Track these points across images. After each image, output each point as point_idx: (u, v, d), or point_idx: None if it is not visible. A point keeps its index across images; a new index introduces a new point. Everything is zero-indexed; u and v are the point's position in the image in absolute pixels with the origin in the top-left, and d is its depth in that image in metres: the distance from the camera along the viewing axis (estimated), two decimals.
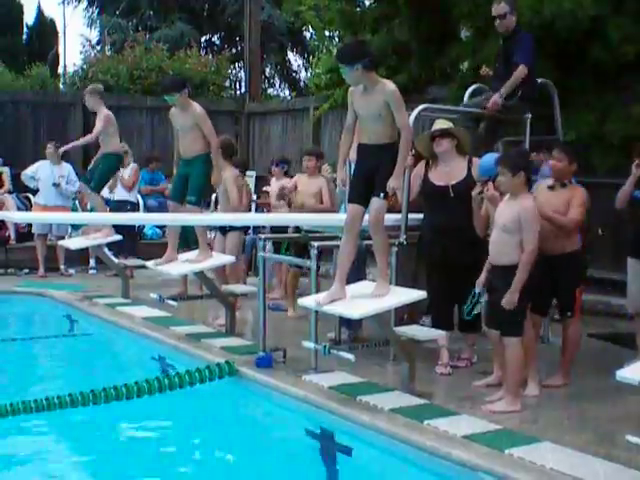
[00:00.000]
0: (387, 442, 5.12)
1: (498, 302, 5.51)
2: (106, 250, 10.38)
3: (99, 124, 9.57)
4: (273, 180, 9.73)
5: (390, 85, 5.70)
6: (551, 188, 6.14)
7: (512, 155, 5.84)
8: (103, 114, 9.60)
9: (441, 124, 6.70)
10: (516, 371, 5.57)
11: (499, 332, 5.69)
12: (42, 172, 11.99)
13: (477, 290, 5.96)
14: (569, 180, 6.17)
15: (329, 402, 5.70)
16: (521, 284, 5.45)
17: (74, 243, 10.36)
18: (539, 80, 7.82)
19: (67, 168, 12.21)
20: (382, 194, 5.69)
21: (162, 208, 11.83)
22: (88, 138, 9.87)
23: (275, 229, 9.10)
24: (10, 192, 12.82)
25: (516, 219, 5.49)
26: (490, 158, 6.22)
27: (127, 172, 12.09)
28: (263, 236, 7.08)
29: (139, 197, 12.80)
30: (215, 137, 7.97)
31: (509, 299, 5.45)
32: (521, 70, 7.33)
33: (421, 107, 7.16)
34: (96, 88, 10.06)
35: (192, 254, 8.30)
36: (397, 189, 5.82)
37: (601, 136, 8.60)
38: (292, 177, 9.37)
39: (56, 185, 11.86)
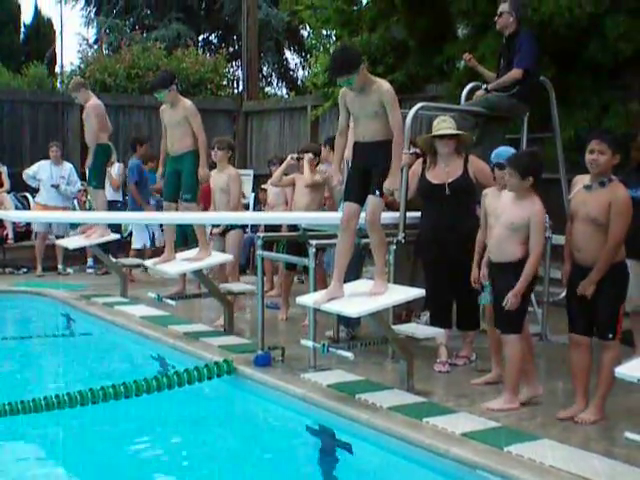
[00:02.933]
0: (386, 440, 5.12)
1: (500, 300, 5.49)
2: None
3: (93, 120, 9.58)
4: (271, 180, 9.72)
5: (385, 84, 5.71)
6: (588, 188, 5.29)
7: (523, 158, 5.66)
8: (91, 105, 9.69)
9: (445, 122, 6.66)
10: (515, 369, 5.55)
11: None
12: (42, 172, 12.00)
13: (483, 283, 5.78)
14: (609, 177, 5.24)
15: (328, 400, 5.69)
16: (525, 286, 5.40)
17: (72, 242, 10.36)
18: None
19: (68, 169, 12.22)
20: (378, 192, 5.70)
21: (159, 208, 11.84)
22: (92, 138, 9.83)
23: (269, 228, 9.12)
24: (8, 191, 12.81)
25: (526, 221, 5.41)
26: (507, 149, 6.20)
27: (114, 171, 12.07)
28: (262, 235, 7.07)
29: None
30: (203, 133, 8.00)
31: (513, 301, 5.39)
32: (514, 73, 7.44)
33: (419, 105, 7.17)
34: (77, 82, 10.12)
35: (191, 253, 8.30)
36: (394, 189, 5.82)
37: (615, 134, 8.58)
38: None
39: (55, 186, 11.86)
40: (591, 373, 5.33)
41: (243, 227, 8.69)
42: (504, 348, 5.63)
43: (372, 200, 5.74)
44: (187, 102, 8.02)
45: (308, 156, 8.48)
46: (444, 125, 6.62)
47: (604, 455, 4.61)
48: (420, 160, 6.88)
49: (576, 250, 5.31)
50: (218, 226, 8.92)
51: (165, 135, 8.21)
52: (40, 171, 12.03)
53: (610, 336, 5.21)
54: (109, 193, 11.88)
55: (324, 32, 15.81)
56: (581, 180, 5.39)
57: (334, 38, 15.13)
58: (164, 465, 5.44)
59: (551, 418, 5.27)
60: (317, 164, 8.58)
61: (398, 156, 5.72)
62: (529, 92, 7.57)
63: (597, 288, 5.17)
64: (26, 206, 12.94)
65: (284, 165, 8.88)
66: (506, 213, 5.54)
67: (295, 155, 8.78)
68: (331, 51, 13.71)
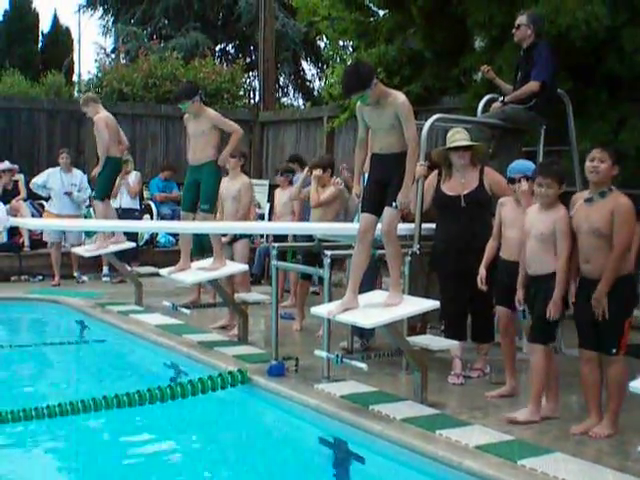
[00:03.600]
0: (399, 451, 5.11)
1: (538, 311, 5.43)
2: None
3: (103, 132, 9.66)
4: (278, 190, 9.75)
5: (400, 96, 5.72)
6: (588, 201, 5.26)
7: (556, 167, 5.63)
8: (99, 118, 9.76)
9: (459, 134, 6.66)
10: (540, 379, 5.49)
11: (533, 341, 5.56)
12: (53, 181, 12.01)
13: (520, 308, 5.74)
14: (609, 187, 5.21)
15: (341, 411, 5.69)
16: (563, 292, 5.35)
17: (87, 251, 10.39)
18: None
19: (79, 176, 12.25)
20: (394, 204, 5.71)
21: (175, 216, 11.89)
22: (103, 151, 9.87)
23: (277, 238, 9.12)
24: (25, 199, 12.88)
25: (552, 228, 5.40)
26: (524, 162, 6.21)
27: (132, 179, 12.15)
28: (276, 244, 7.08)
29: (152, 205, 12.87)
30: (238, 127, 8.09)
31: (554, 309, 5.32)
32: (531, 85, 7.42)
33: (435, 117, 7.18)
34: (86, 97, 10.26)
35: (206, 262, 8.32)
36: (407, 202, 5.82)
37: (616, 146, 8.57)
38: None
39: (68, 194, 11.90)
40: (603, 387, 5.30)
41: (250, 237, 8.68)
42: (531, 357, 5.57)
43: (388, 211, 5.75)
44: (211, 112, 8.05)
45: (316, 173, 8.45)
46: (458, 137, 6.62)
47: (617, 470, 4.59)
48: (436, 172, 6.88)
49: (584, 262, 5.25)
50: (225, 235, 8.90)
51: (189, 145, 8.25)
52: (50, 179, 12.04)
53: (613, 351, 5.13)
54: (125, 201, 11.95)
55: (341, 43, 15.85)
56: (580, 197, 5.38)
57: (351, 49, 15.17)
58: (176, 474, 5.45)
59: (565, 432, 5.25)
60: (331, 176, 8.57)
61: (411, 169, 5.72)
62: (546, 105, 7.56)
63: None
64: (42, 214, 13.00)
65: (301, 180, 8.84)
66: (535, 226, 5.52)
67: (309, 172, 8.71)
68: (347, 62, 13.74)
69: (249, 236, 8.77)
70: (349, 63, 5.86)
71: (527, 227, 5.61)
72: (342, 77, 5.96)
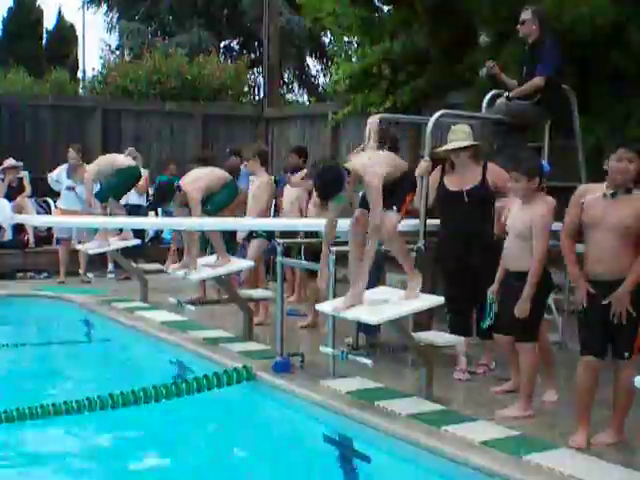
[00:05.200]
0: (404, 448, 5.10)
1: (512, 309, 5.48)
2: None
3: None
4: (287, 187, 9.72)
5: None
6: (613, 195, 4.94)
7: (526, 160, 5.72)
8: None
9: (454, 134, 6.66)
10: (530, 376, 5.55)
11: (512, 338, 5.65)
12: (62, 176, 12.04)
13: (489, 298, 5.84)
14: (635, 184, 4.96)
15: (347, 407, 5.69)
16: (531, 293, 5.40)
17: (90, 248, 10.39)
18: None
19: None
20: (395, 207, 5.77)
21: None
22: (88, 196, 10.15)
23: (285, 234, 9.08)
24: (29, 196, 12.89)
25: (529, 226, 5.45)
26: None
27: None
28: (281, 241, 7.07)
29: None
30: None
31: (521, 309, 5.42)
32: (536, 81, 7.39)
33: (439, 113, 7.17)
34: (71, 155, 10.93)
35: (211, 259, 8.32)
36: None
37: (621, 141, 8.53)
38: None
39: (71, 189, 11.88)
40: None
41: (269, 236, 8.62)
42: (519, 356, 5.62)
43: (389, 214, 5.79)
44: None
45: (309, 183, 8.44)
46: (452, 137, 6.63)
47: (624, 465, 4.58)
48: (439, 168, 6.87)
49: (596, 261, 4.93)
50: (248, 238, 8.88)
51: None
52: (62, 174, 12.08)
53: (626, 355, 4.92)
54: (132, 198, 11.94)
55: (346, 39, 15.83)
56: (592, 190, 5.10)
57: (356, 45, 15.15)
58: (180, 470, 5.46)
59: (570, 427, 5.24)
60: None
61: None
62: (551, 100, 7.53)
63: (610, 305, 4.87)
64: (47, 211, 13.04)
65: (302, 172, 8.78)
66: (515, 221, 5.56)
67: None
68: (352, 59, 13.72)
69: (267, 236, 8.65)
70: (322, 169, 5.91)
71: (508, 223, 5.66)
72: (318, 183, 6.00)
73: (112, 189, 9.83)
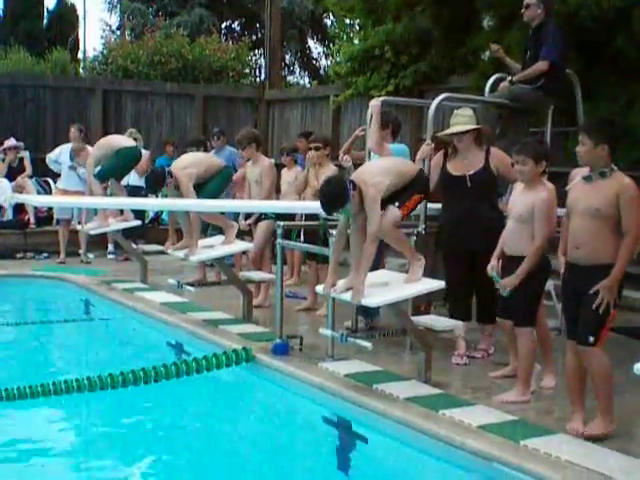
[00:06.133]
0: (402, 431, 5.12)
1: (512, 294, 5.48)
2: None
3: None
4: (284, 170, 9.70)
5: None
6: (587, 179, 4.89)
7: (534, 144, 5.69)
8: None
9: (456, 117, 6.64)
10: (527, 361, 5.57)
11: (512, 322, 5.68)
12: (63, 156, 12.00)
13: (489, 272, 5.72)
14: (610, 167, 4.83)
15: (345, 390, 5.70)
16: (526, 272, 5.41)
17: (90, 229, 10.38)
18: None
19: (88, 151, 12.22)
20: (397, 203, 5.88)
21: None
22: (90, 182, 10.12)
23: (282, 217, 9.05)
24: (30, 176, 12.87)
25: (531, 210, 5.44)
26: None
27: None
28: (281, 223, 7.06)
29: None
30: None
31: (508, 282, 5.45)
32: (540, 65, 7.36)
33: (441, 97, 7.14)
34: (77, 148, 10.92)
35: (212, 240, 8.32)
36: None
37: (625, 128, 8.53)
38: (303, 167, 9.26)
39: (73, 168, 11.83)
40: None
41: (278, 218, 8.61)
42: (517, 341, 5.64)
43: (390, 209, 5.86)
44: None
45: (310, 155, 8.39)
46: (455, 121, 6.60)
47: (620, 451, 4.59)
48: (442, 152, 6.85)
49: (574, 247, 4.87)
50: (250, 217, 8.87)
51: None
52: (62, 154, 12.03)
53: (592, 340, 4.76)
54: (133, 179, 11.91)
55: (348, 21, 15.78)
56: (580, 173, 5.09)
57: (358, 27, 15.09)
58: (179, 450, 5.48)
59: (568, 413, 5.25)
60: (329, 155, 8.47)
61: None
62: (554, 85, 7.51)
63: (583, 288, 4.79)
64: (47, 191, 13.01)
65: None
66: (516, 205, 5.56)
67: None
68: (354, 41, 13.67)
69: (274, 218, 8.61)
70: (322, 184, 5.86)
71: (509, 206, 5.67)
72: (321, 198, 5.87)
73: (112, 170, 9.80)
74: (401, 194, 5.98)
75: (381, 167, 6.14)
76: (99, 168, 9.80)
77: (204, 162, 8.54)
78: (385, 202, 5.87)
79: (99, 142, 10.19)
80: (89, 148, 10.69)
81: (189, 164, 8.30)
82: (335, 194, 5.76)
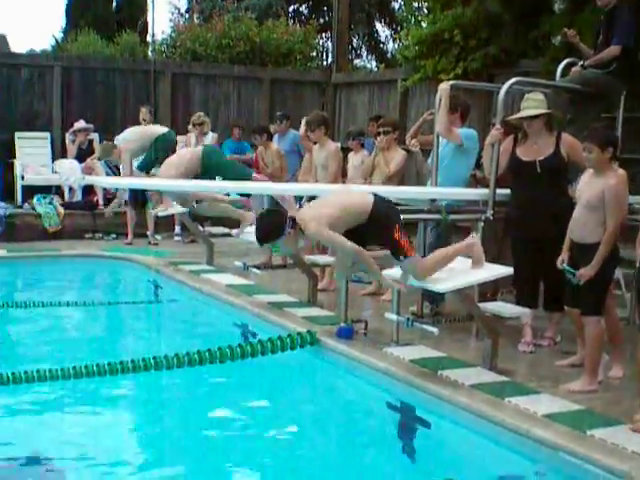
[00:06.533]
0: (466, 417, 5.10)
1: (586, 284, 5.42)
2: None
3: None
4: (351, 154, 9.67)
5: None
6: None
7: (600, 130, 5.68)
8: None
9: (528, 101, 6.54)
10: (594, 350, 5.51)
11: (580, 311, 5.60)
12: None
13: (559, 267, 5.72)
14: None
15: (410, 375, 5.69)
16: (601, 262, 5.37)
17: (160, 210, 10.51)
18: None
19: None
20: (402, 257, 5.78)
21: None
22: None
23: None
24: (99, 159, 13.05)
25: (600, 196, 5.38)
26: None
27: (208, 140, 12.18)
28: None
29: None
30: None
31: (584, 273, 5.43)
32: (612, 50, 7.25)
33: (512, 81, 7.05)
34: (105, 148, 11.13)
35: None
36: None
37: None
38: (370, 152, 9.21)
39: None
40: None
41: None
42: (585, 329, 5.58)
43: (411, 260, 5.79)
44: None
45: (379, 140, 8.30)
46: (525, 105, 6.49)
47: None
48: (511, 137, 6.76)
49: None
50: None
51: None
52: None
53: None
54: None
55: (416, 4, 15.63)
56: None
57: (426, 11, 14.94)
58: (242, 431, 5.53)
59: (636, 404, 5.17)
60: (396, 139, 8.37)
61: None
62: (627, 69, 7.37)
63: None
64: (116, 173, 13.18)
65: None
66: (584, 192, 5.49)
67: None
68: (422, 24, 13.57)
69: None
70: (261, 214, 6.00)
71: (577, 193, 5.63)
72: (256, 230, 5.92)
73: (154, 159, 9.94)
74: (375, 235, 5.87)
75: (323, 202, 6.05)
76: (139, 161, 9.92)
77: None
78: (362, 244, 5.78)
79: (129, 136, 10.24)
80: (120, 147, 10.81)
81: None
82: (269, 228, 5.81)
